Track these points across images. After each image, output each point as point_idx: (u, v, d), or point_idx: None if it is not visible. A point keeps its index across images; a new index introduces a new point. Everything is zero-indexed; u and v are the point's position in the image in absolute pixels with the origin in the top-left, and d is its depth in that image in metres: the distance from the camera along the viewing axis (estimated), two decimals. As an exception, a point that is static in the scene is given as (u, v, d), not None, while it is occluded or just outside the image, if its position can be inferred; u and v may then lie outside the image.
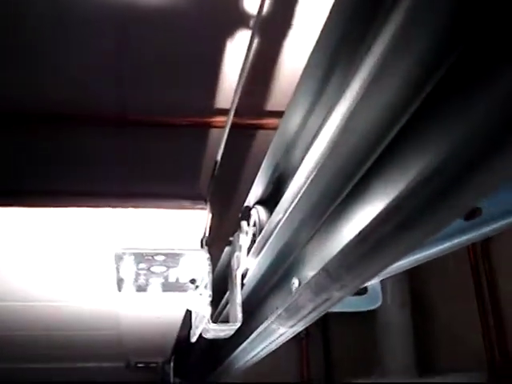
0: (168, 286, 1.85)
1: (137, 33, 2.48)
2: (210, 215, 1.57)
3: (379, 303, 2.28)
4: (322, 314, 1.47)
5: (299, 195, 1.22)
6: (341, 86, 1.01)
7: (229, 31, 2.54)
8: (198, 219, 1.61)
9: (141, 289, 1.85)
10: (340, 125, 0.99)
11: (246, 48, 1.78)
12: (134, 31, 2.47)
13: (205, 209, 1.57)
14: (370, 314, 3.95)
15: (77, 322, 2.54)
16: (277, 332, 1.66)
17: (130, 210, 1.55)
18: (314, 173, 1.12)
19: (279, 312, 1.51)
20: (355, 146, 1.01)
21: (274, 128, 1.50)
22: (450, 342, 3.88)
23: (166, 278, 1.79)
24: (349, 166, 1.07)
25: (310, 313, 1.45)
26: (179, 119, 2.93)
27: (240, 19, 2.45)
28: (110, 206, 1.56)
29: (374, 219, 1.00)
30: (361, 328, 4.58)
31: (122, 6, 2.34)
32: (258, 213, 1.65)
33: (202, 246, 1.69)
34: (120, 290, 1.87)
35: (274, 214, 1.42)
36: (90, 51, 2.54)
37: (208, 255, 1.65)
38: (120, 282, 1.81)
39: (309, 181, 1.16)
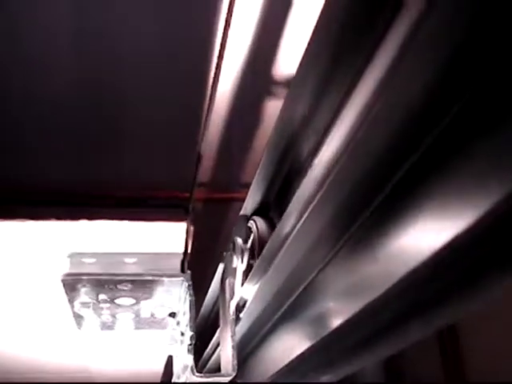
0: (141, 323, 1.43)
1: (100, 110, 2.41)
2: (192, 228, 1.16)
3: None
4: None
5: (315, 201, 0.83)
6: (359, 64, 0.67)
7: (198, 101, 2.45)
8: (176, 234, 1.20)
9: (106, 326, 1.44)
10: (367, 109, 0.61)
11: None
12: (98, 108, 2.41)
13: (184, 221, 1.16)
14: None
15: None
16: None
17: (83, 222, 1.14)
18: (333, 174, 0.74)
19: None
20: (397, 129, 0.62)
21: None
22: (414, 374, 4.02)
23: (138, 313, 1.37)
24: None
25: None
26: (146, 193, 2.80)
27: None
28: (55, 219, 1.14)
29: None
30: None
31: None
32: (257, 225, 1.25)
33: (182, 271, 1.27)
34: (80, 328, 1.45)
35: (278, 227, 1.02)
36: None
37: (190, 282, 1.23)
38: (78, 318, 1.39)
39: (326, 184, 0.77)
